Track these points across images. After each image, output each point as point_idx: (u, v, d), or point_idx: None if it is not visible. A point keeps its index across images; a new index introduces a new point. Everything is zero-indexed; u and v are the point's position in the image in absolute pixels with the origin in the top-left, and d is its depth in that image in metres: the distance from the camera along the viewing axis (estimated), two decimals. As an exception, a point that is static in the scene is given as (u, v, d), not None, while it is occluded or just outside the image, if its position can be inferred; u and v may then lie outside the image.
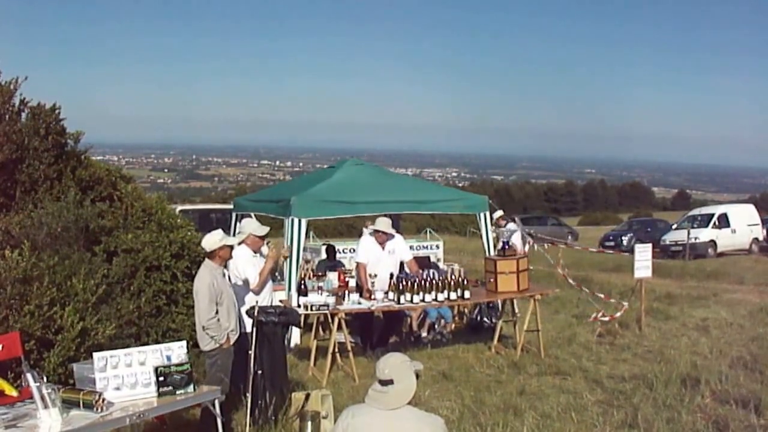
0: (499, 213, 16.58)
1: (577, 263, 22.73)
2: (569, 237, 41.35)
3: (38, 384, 5.27)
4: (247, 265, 8.73)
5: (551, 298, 15.53)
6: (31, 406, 5.46)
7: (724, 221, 32.79)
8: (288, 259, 11.13)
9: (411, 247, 13.89)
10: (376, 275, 11.19)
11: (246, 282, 8.66)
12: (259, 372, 7.54)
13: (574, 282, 15.23)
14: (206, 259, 7.81)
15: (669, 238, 33.66)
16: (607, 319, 13.32)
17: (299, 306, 10.14)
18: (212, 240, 7.79)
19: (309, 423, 7.35)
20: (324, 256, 15.04)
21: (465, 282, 11.11)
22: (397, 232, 12.26)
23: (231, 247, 7.94)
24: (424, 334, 12.84)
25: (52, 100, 9.05)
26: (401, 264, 11.74)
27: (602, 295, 14.80)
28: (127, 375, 5.93)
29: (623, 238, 37.62)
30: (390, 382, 4.17)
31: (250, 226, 9.14)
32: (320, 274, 12.93)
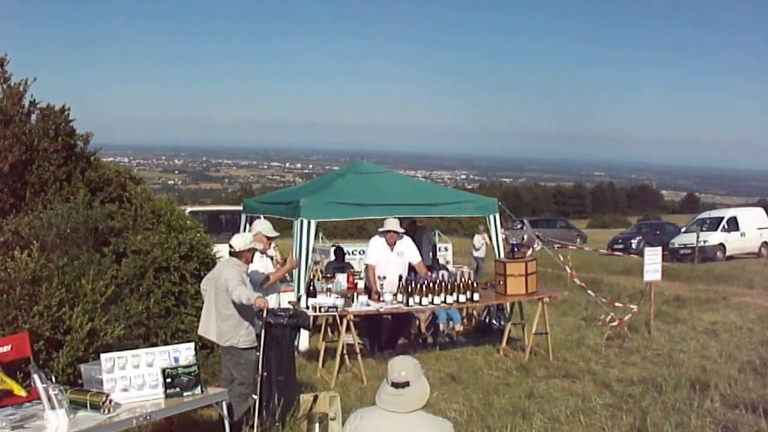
0: None
1: (587, 266, 22.70)
2: (578, 240, 41.37)
3: (45, 385, 5.28)
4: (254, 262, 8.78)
5: (560, 300, 15.52)
6: (39, 406, 5.46)
7: (733, 224, 32.74)
8: (297, 260, 11.18)
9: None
10: (385, 277, 11.17)
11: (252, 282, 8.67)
12: (265, 374, 7.54)
13: (581, 282, 15.18)
14: (230, 257, 7.83)
15: (678, 241, 33.63)
16: (616, 323, 13.30)
17: (308, 307, 10.15)
18: (243, 241, 7.86)
19: (317, 425, 7.34)
20: (333, 257, 15.05)
21: (474, 284, 11.11)
22: (410, 234, 12.25)
23: (256, 251, 8.05)
24: (429, 340, 12.84)
25: (61, 102, 9.05)
26: (410, 266, 11.72)
27: (604, 300, 14.70)
28: (134, 376, 5.93)
29: (632, 241, 37.63)
30: (406, 384, 4.16)
31: (261, 226, 9.26)
32: (329, 275, 12.93)
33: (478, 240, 24.41)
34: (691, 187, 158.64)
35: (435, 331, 13.03)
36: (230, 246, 7.84)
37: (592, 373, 10.41)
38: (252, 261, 8.06)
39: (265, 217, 11.66)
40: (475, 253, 24.83)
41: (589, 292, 14.97)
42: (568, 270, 15.25)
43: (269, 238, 9.21)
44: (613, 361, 11.25)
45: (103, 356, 5.95)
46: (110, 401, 5.50)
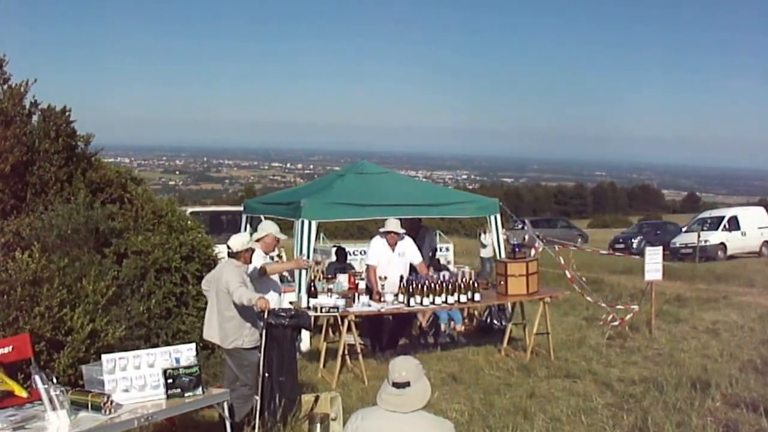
0: None
1: (588, 265, 22.68)
2: (579, 239, 41.37)
3: (47, 386, 5.28)
4: (257, 259, 8.77)
5: (561, 300, 15.49)
6: (40, 407, 5.46)
7: (734, 224, 32.75)
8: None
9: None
10: (386, 277, 11.17)
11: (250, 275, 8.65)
12: (266, 375, 7.54)
13: (580, 289, 15.14)
14: (229, 258, 7.84)
15: (679, 240, 33.65)
16: (617, 323, 13.29)
17: (309, 308, 10.15)
18: (241, 241, 7.86)
19: (318, 425, 7.34)
20: (334, 258, 15.05)
21: (475, 284, 11.11)
22: (412, 235, 12.25)
23: (254, 251, 8.04)
24: (431, 340, 12.84)
25: (62, 102, 9.10)
26: (411, 266, 11.71)
27: (604, 305, 14.59)
28: (135, 377, 5.93)
29: (633, 240, 37.69)
30: (407, 384, 4.16)
31: (272, 227, 9.21)
32: (330, 276, 12.93)
33: (486, 239, 24.39)
34: (692, 186, 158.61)
35: (436, 332, 13.03)
36: (228, 247, 7.85)
37: (594, 372, 10.41)
38: (251, 261, 8.05)
39: (265, 218, 11.68)
40: (482, 252, 24.81)
41: (588, 298, 14.92)
42: (568, 274, 15.23)
43: (277, 240, 9.20)
44: (615, 360, 11.25)
45: (104, 357, 5.95)
46: (111, 402, 5.51)
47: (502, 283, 11.54)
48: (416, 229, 13.29)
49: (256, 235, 8.98)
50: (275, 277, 9.21)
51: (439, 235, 23.47)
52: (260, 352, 7.58)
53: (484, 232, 24.09)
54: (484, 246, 24.66)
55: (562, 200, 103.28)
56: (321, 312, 10.19)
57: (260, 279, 8.71)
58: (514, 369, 10.74)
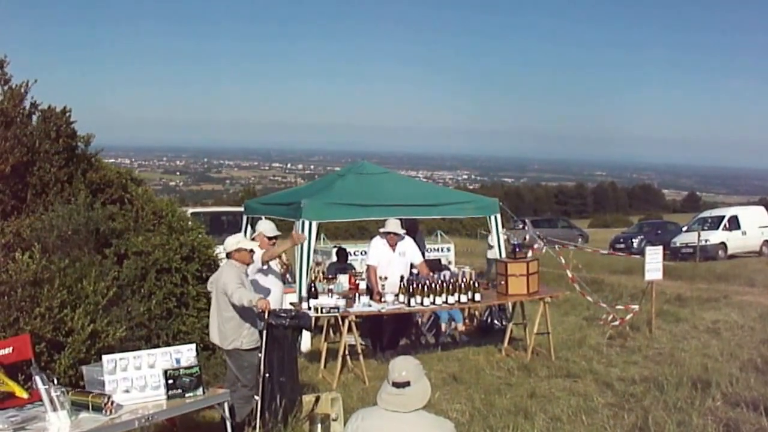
0: None
1: (588, 265, 22.65)
2: (579, 239, 41.33)
3: (47, 386, 5.28)
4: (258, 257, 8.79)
5: (561, 300, 15.46)
6: (41, 408, 5.47)
7: (734, 223, 32.72)
8: (299, 260, 11.17)
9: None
10: (386, 278, 11.17)
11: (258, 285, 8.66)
12: (267, 375, 7.54)
13: (580, 289, 15.09)
14: (228, 260, 7.87)
15: (679, 240, 33.63)
16: (617, 323, 13.28)
17: (309, 308, 10.14)
18: (231, 241, 7.95)
19: (319, 426, 7.35)
20: (335, 258, 15.05)
21: (476, 284, 11.10)
22: (412, 235, 12.24)
23: (250, 251, 8.01)
24: (431, 341, 12.83)
25: (62, 103, 9.09)
26: (411, 266, 11.71)
27: (604, 305, 14.51)
28: (136, 378, 5.95)
29: (634, 240, 37.66)
30: (407, 384, 4.16)
31: (262, 226, 9.31)
32: (331, 276, 12.93)
33: (493, 240, 24.23)
34: (692, 186, 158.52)
35: (437, 332, 13.02)
36: (224, 249, 7.93)
37: (594, 372, 10.41)
38: (251, 261, 8.05)
39: (265, 218, 11.69)
40: (489, 254, 24.71)
41: (589, 298, 14.88)
42: (569, 273, 15.22)
43: (269, 238, 9.20)
44: (615, 360, 11.25)
45: (104, 358, 5.96)
46: (112, 402, 5.51)
47: (502, 282, 11.54)
48: (414, 230, 13.28)
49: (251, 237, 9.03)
50: (275, 266, 9.18)
51: (440, 235, 23.44)
52: (260, 353, 7.58)
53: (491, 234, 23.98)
54: (491, 247, 24.58)
55: (562, 200, 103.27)
56: (322, 312, 10.19)
57: (260, 270, 8.74)
58: (515, 369, 10.74)
